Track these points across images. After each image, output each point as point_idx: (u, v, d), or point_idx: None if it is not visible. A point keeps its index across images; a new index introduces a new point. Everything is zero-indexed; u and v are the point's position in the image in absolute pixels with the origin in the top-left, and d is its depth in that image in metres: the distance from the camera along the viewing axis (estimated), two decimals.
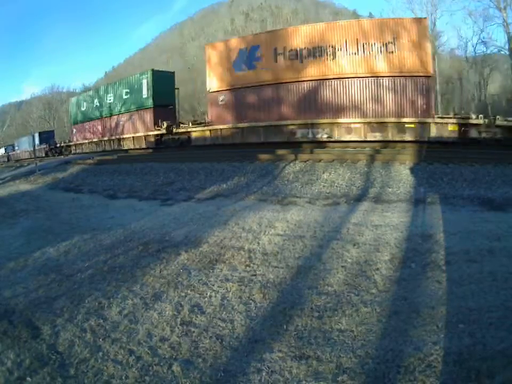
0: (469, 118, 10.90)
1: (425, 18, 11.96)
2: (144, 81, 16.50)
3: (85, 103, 20.82)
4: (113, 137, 18.43)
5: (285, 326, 2.39)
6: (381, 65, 11.63)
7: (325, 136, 12.20)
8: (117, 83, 18.78)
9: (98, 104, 19.42)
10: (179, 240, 4.33)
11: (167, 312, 2.68)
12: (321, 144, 11.95)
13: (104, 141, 19.20)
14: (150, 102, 16.26)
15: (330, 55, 12.20)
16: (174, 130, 15.27)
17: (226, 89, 13.92)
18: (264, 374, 1.95)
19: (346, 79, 12.06)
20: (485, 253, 3.31)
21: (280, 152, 10.33)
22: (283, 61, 12.91)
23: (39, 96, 62.78)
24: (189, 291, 3.00)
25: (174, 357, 2.16)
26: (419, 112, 11.46)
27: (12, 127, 52.65)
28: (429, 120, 11.28)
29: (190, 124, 15.42)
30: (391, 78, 11.63)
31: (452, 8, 39.39)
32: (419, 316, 2.38)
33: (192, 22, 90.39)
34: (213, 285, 3.08)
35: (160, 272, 3.43)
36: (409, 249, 3.56)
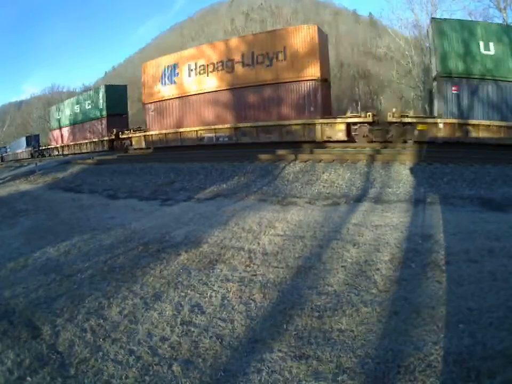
0: (358, 117, 11.48)
1: (314, 25, 12.74)
2: (100, 95, 19.76)
3: (60, 112, 24.12)
4: (80, 142, 21.49)
5: (285, 326, 2.39)
6: (267, 74, 12.88)
7: (226, 139, 14.12)
8: (82, 96, 22.28)
9: (69, 113, 22.76)
10: (179, 240, 4.33)
11: (167, 312, 2.68)
12: (321, 144, 11.99)
13: (73, 144, 22.39)
14: (104, 113, 19.55)
15: (230, 67, 13.82)
16: (120, 136, 18.09)
17: (154, 102, 16.17)
18: (264, 373, 1.96)
19: (240, 89, 13.54)
20: (485, 253, 3.31)
21: (280, 152, 10.35)
22: (194, 76, 14.76)
23: (39, 96, 62.79)
24: (189, 291, 3.00)
25: (174, 356, 2.16)
26: (306, 113, 12.30)
27: (12, 127, 52.64)
28: (317, 121, 12.03)
29: (131, 131, 17.86)
30: (275, 84, 12.78)
31: (451, 8, 39.48)
32: (419, 316, 2.38)
33: (192, 22, 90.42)
34: (213, 285, 3.08)
35: (160, 272, 3.43)
36: (409, 249, 3.56)
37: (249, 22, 74.71)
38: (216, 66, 14.04)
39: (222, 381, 1.93)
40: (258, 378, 1.93)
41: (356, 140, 11.72)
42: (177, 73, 15.19)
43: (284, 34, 12.81)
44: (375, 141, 11.41)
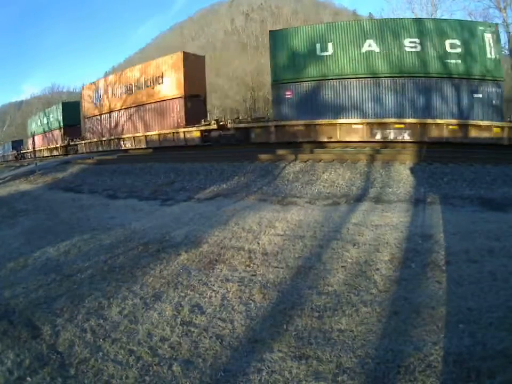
0: (209, 125, 13.75)
1: (180, 52, 15.59)
2: (59, 110, 23.95)
3: (38, 121, 27.60)
4: (51, 146, 25.04)
5: (285, 326, 2.39)
6: (154, 94, 16.17)
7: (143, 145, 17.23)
8: (53, 107, 26.05)
9: (44, 122, 26.45)
10: (179, 240, 4.33)
11: (167, 312, 2.68)
12: (321, 144, 12.02)
13: (44, 149, 25.98)
14: (62, 124, 23.69)
15: (131, 90, 17.29)
16: (71, 143, 22.13)
17: (89, 117, 20.48)
18: (264, 374, 1.96)
19: (139, 106, 17.00)
20: (485, 253, 3.31)
21: (280, 152, 10.34)
22: (113, 97, 18.33)
23: (39, 96, 62.88)
24: (189, 291, 3.00)
25: (174, 357, 2.16)
26: (175, 125, 15.18)
27: (12, 127, 52.64)
28: (180, 130, 14.73)
29: (78, 139, 21.62)
30: (158, 102, 15.95)
31: (452, 8, 39.47)
32: (419, 316, 2.38)
33: (192, 22, 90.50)
34: (213, 285, 3.08)
35: (160, 272, 3.43)
36: (409, 249, 3.56)
37: (249, 22, 74.71)
38: (126, 89, 17.58)
39: (222, 381, 1.93)
40: (258, 378, 1.93)
41: (211, 143, 13.78)
42: (102, 95, 19.12)
43: (161, 62, 16.01)
44: (225, 144, 13.16)
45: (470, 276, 2.89)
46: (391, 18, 11.98)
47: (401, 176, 7.04)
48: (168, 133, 15.35)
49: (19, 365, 2.17)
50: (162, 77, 15.85)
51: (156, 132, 15.92)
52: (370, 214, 4.97)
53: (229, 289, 2.99)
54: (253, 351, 2.16)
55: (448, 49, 10.76)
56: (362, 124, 11.23)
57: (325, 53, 11.61)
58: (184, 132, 14.70)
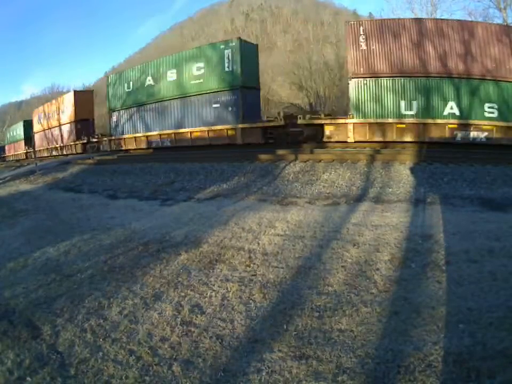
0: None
1: (72, 91, 21.43)
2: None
3: (10, 132, 32.00)
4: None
5: (285, 326, 2.39)
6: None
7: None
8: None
9: (13, 134, 30.56)
10: (179, 240, 4.34)
11: (167, 312, 2.68)
12: (321, 144, 12.03)
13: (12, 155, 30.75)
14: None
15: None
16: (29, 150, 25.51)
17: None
18: (264, 373, 1.96)
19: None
20: (485, 253, 3.31)
21: (280, 152, 10.34)
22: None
23: (39, 96, 62.87)
24: (189, 291, 3.00)
25: (174, 357, 2.16)
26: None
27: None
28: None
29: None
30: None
31: (452, 8, 39.47)
32: (419, 316, 2.38)
33: (192, 22, 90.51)
34: (213, 285, 3.08)
35: (160, 272, 3.43)
36: (409, 249, 3.56)
37: (249, 22, 74.74)
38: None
39: (222, 381, 1.93)
40: (258, 378, 1.93)
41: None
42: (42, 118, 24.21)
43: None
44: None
45: (470, 276, 2.89)
46: (170, 56, 15.30)
47: (401, 176, 7.04)
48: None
49: (19, 365, 2.17)
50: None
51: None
52: (370, 214, 4.97)
53: (229, 289, 2.99)
54: (253, 351, 2.16)
55: (195, 72, 13.84)
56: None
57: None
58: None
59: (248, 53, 13.88)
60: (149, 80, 15.49)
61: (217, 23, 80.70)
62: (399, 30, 10.64)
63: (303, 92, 35.08)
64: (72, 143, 20.63)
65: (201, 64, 13.79)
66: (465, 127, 10.19)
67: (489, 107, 9.98)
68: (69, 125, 21.10)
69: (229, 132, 13.36)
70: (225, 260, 3.62)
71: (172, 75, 14.67)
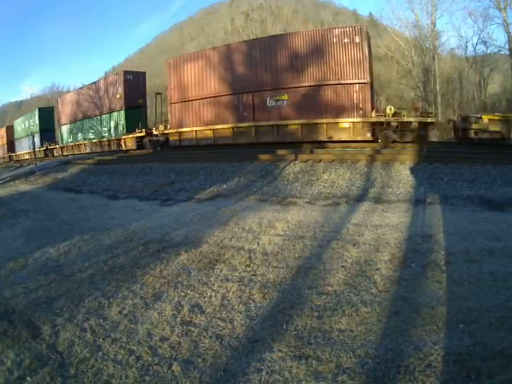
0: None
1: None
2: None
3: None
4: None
5: (284, 326, 2.39)
6: None
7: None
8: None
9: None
10: (179, 240, 4.34)
11: (167, 312, 2.68)
12: (321, 144, 12.03)
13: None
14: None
15: None
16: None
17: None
18: (264, 373, 1.95)
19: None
20: (485, 253, 3.31)
21: (280, 152, 10.35)
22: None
23: (39, 95, 62.92)
24: (188, 291, 3.00)
25: (174, 356, 2.16)
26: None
27: None
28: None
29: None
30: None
31: (451, 8, 39.40)
32: (419, 316, 2.38)
33: (192, 22, 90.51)
34: (213, 285, 3.08)
35: (160, 272, 3.43)
36: (409, 249, 3.56)
37: (249, 22, 74.73)
38: None
39: (222, 381, 1.92)
40: (258, 378, 1.93)
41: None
42: None
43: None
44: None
45: (470, 276, 2.89)
46: None
47: (401, 176, 7.05)
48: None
49: (19, 364, 2.17)
50: None
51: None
52: (370, 214, 4.97)
53: (229, 289, 2.99)
54: (252, 350, 2.16)
55: None
56: None
57: None
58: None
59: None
60: None
61: (217, 22, 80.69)
62: None
63: None
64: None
65: None
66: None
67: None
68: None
69: None
70: (225, 260, 3.62)
71: None
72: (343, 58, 11.66)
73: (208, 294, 2.92)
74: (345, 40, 11.62)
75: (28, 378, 2.05)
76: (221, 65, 13.80)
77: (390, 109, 11.30)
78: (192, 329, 2.44)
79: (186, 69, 14.48)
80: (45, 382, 2.01)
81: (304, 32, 12.59)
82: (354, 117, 11.62)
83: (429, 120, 11.17)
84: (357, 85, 11.55)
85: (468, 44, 34.18)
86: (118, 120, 18.16)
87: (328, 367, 1.97)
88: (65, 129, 22.98)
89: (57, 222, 5.88)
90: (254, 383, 1.90)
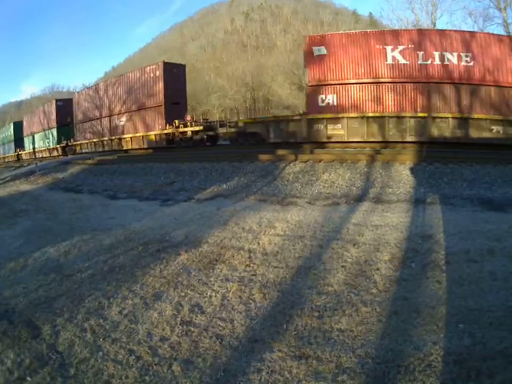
0: None
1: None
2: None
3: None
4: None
5: (285, 326, 2.39)
6: None
7: None
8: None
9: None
10: (179, 240, 4.33)
11: (167, 312, 2.68)
12: (322, 144, 12.04)
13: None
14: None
15: None
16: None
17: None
18: (264, 373, 1.95)
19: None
20: (485, 253, 3.31)
21: (280, 152, 10.34)
22: None
23: (39, 95, 62.91)
24: (189, 291, 3.00)
25: (174, 356, 2.16)
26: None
27: None
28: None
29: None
30: None
31: (452, 8, 39.48)
32: (419, 316, 2.38)
33: (192, 22, 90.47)
34: (213, 285, 3.08)
35: (160, 272, 3.43)
36: (409, 249, 3.56)
37: (249, 22, 74.72)
38: None
39: (222, 381, 1.92)
40: (258, 378, 1.93)
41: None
42: None
43: None
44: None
45: (470, 276, 2.89)
46: None
47: (401, 176, 7.04)
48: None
49: (19, 364, 2.17)
50: None
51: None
52: (370, 214, 4.97)
53: (229, 289, 2.99)
54: (252, 350, 2.16)
55: None
56: None
57: None
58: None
59: None
60: None
61: (217, 22, 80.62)
62: None
63: (303, 91, 35.06)
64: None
65: None
66: None
67: None
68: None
69: None
70: (225, 260, 3.62)
71: None
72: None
73: (208, 294, 2.92)
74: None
75: (28, 378, 2.05)
76: None
77: (178, 121, 15.38)
78: (192, 329, 2.44)
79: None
80: (45, 382, 2.01)
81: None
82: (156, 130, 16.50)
83: (197, 128, 14.79)
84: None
85: None
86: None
87: (328, 367, 1.97)
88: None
89: (57, 222, 5.88)
90: (254, 383, 1.90)
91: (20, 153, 28.04)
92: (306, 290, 2.86)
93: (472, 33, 11.59)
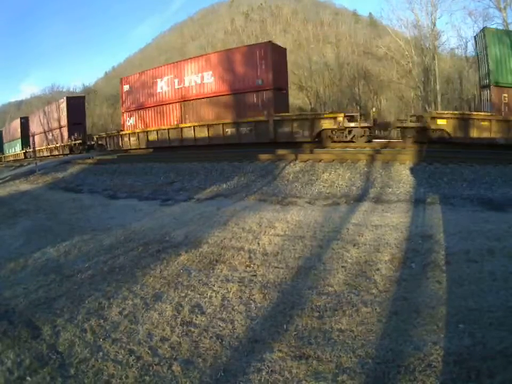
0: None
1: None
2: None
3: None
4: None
5: (285, 326, 2.39)
6: None
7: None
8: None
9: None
10: (179, 240, 4.33)
11: (167, 312, 2.68)
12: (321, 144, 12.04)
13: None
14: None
15: None
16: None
17: None
18: (264, 373, 1.96)
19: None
20: (485, 253, 3.31)
21: (280, 152, 10.34)
22: None
23: (39, 95, 62.87)
24: (189, 291, 3.00)
25: (174, 356, 2.16)
26: None
27: None
28: None
29: None
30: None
31: (452, 8, 39.42)
32: (419, 316, 2.38)
33: (192, 22, 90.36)
34: (213, 285, 3.08)
35: (160, 272, 3.43)
36: (409, 249, 3.56)
37: (249, 22, 74.68)
38: None
39: (222, 381, 1.93)
40: (258, 378, 1.93)
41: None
42: None
43: None
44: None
45: (470, 276, 2.89)
46: None
47: (401, 176, 7.04)
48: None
49: (19, 364, 2.17)
50: None
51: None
52: (370, 214, 4.97)
53: (229, 289, 2.99)
54: (253, 351, 2.16)
55: None
56: None
57: None
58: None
59: None
60: None
61: (217, 23, 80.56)
62: None
63: (303, 91, 35.08)
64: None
65: None
66: None
67: None
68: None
69: None
70: (225, 260, 3.62)
71: None
72: None
73: (209, 295, 2.92)
74: None
75: (28, 378, 2.05)
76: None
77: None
78: (193, 329, 2.44)
79: None
80: (45, 382, 2.02)
81: None
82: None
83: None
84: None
85: (467, 43, 34.11)
86: None
87: (328, 367, 1.97)
88: None
89: (57, 221, 5.88)
90: (254, 383, 1.90)
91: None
92: (307, 290, 2.87)
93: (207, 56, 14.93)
